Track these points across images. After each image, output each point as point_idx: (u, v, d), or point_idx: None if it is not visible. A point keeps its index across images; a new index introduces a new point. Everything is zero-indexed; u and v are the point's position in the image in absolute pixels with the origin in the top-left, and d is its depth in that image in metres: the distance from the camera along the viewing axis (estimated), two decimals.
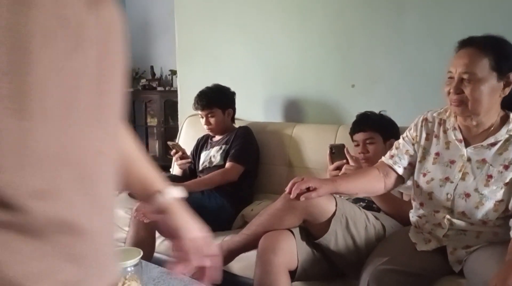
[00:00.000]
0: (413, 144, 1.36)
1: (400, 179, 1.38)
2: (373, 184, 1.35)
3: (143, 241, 1.72)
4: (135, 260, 0.90)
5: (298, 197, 1.21)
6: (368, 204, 1.57)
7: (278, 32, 2.41)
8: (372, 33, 2.09)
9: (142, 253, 0.92)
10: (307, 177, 1.28)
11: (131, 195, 2.06)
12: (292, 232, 1.31)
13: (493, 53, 1.15)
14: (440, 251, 1.27)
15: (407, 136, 1.39)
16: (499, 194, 1.17)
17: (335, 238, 1.29)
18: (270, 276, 1.25)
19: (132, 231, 1.75)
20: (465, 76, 1.15)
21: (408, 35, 1.99)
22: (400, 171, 1.36)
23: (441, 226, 1.26)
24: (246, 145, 2.07)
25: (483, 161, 1.20)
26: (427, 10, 1.93)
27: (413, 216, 1.38)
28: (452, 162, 1.25)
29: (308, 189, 1.22)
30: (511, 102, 1.22)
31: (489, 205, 1.18)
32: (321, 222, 1.27)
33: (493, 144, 1.20)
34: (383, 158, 1.41)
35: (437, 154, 1.29)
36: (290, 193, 1.24)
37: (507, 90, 1.17)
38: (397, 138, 1.72)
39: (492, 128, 1.21)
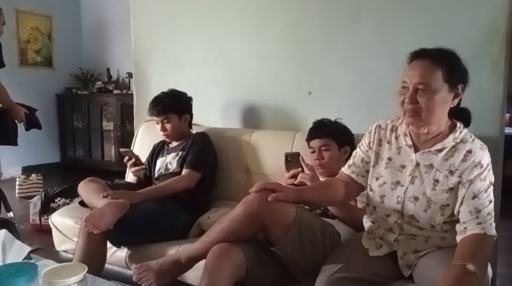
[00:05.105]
0: (367, 151, 1.40)
1: (360, 187, 1.43)
2: (335, 193, 1.39)
3: (93, 253, 1.64)
4: (79, 276, 0.85)
5: (266, 196, 1.25)
6: (323, 211, 1.59)
7: (237, 38, 2.40)
8: (328, 41, 2.13)
9: (86, 268, 0.88)
10: (274, 182, 1.32)
11: (81, 203, 1.97)
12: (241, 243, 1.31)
13: (446, 65, 1.20)
14: (391, 257, 1.30)
15: (362, 144, 1.43)
16: (445, 199, 1.22)
17: (293, 245, 1.28)
18: None
19: (82, 242, 1.66)
20: (420, 87, 1.19)
21: (362, 44, 2.04)
22: (359, 179, 1.41)
23: (392, 231, 1.30)
24: (203, 152, 2.03)
25: (431, 166, 1.25)
26: (381, 21, 1.99)
27: (366, 221, 1.42)
28: (403, 166, 1.30)
29: (274, 192, 1.26)
30: (458, 112, 1.29)
31: (435, 208, 1.22)
32: (280, 228, 1.27)
33: (440, 150, 1.25)
34: (342, 169, 1.46)
35: (389, 159, 1.33)
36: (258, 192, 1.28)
37: (456, 101, 1.24)
38: (352, 145, 1.77)
39: (440, 135, 1.26)
